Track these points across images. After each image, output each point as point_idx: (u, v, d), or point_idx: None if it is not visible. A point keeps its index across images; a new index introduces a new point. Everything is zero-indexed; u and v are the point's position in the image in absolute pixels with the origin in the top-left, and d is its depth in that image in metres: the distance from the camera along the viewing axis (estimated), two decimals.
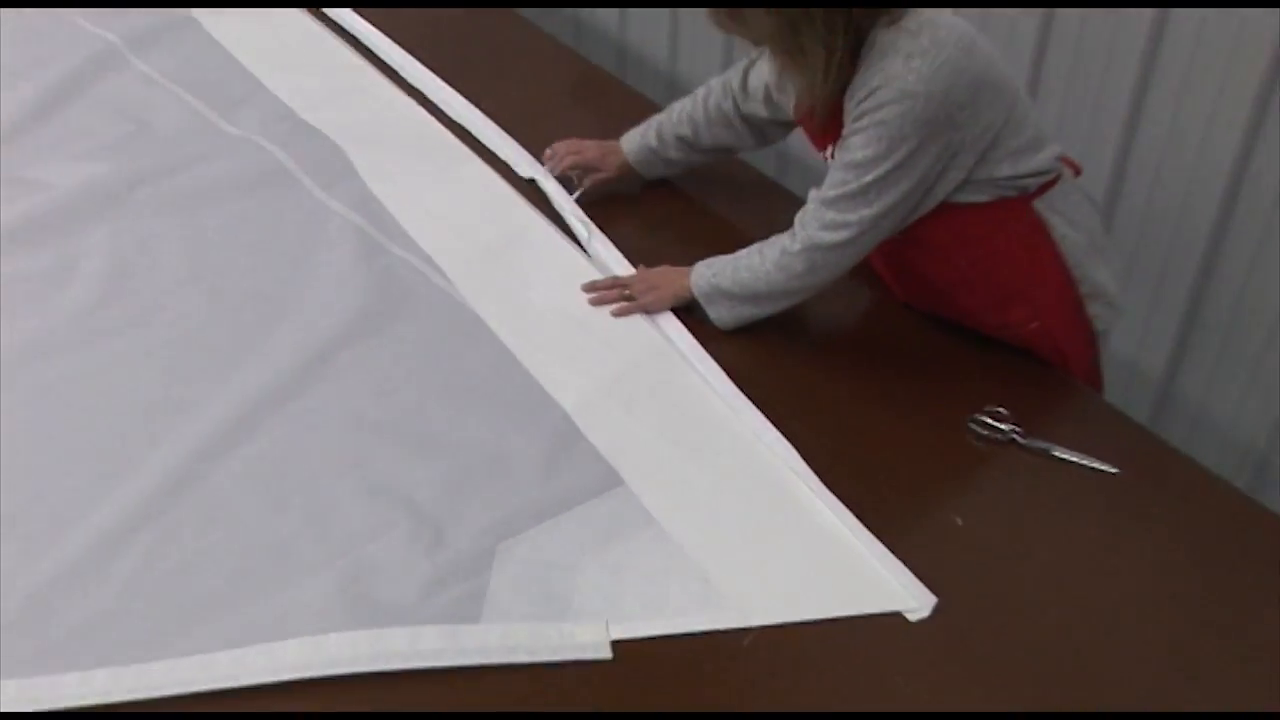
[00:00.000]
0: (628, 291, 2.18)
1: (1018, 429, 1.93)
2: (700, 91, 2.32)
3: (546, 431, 1.95)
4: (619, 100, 2.75)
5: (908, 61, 1.82)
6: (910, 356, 2.10)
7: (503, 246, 2.33)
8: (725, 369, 2.05)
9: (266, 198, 2.43)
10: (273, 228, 2.36)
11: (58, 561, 1.72)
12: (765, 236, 2.05)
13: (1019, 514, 1.83)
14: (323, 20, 3.00)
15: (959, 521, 1.81)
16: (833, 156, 2.00)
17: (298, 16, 3.03)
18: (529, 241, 2.35)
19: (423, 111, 2.69)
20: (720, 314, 2.10)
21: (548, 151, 2.45)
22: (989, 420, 1.94)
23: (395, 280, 2.24)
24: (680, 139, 2.34)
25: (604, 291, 2.20)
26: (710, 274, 2.09)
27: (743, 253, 2.06)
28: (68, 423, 1.96)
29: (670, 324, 2.14)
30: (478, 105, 2.67)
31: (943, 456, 1.91)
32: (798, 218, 1.99)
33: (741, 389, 2.00)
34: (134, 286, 2.22)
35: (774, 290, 2.03)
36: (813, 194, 1.97)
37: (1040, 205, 2.01)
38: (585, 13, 3.53)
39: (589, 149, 2.42)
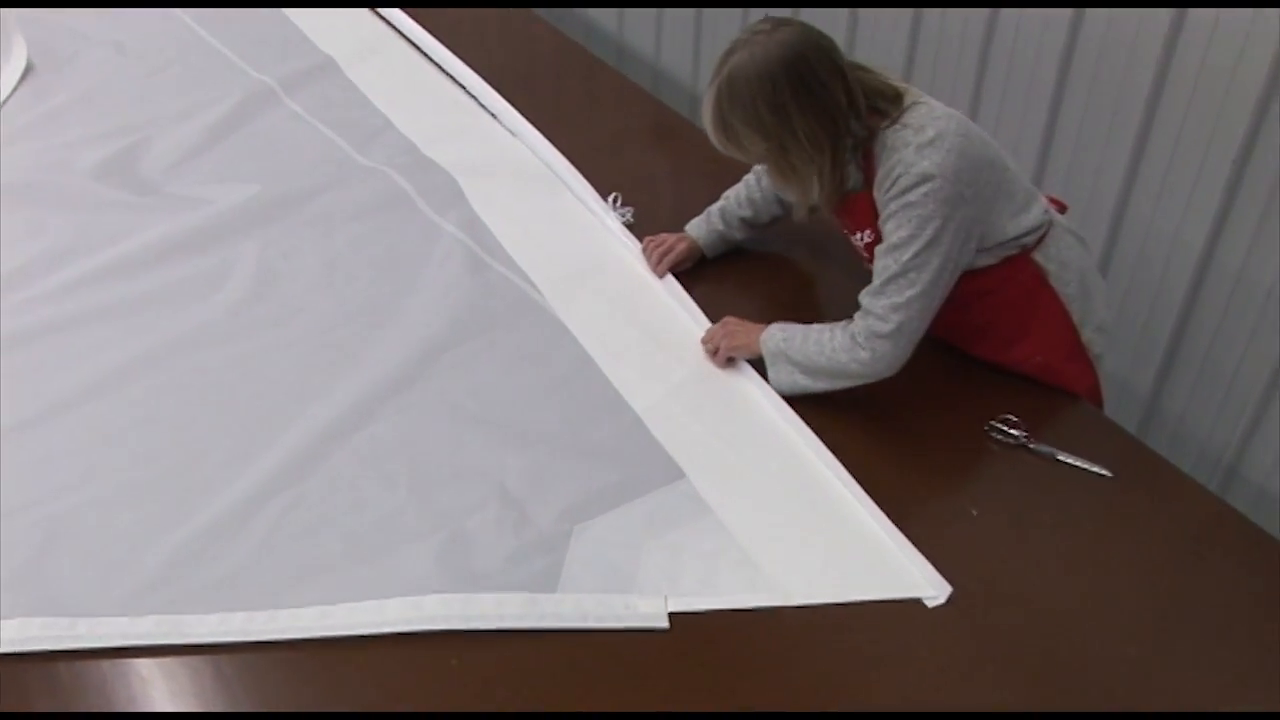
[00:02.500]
0: (708, 344, 2.05)
1: (1027, 435, 1.88)
2: (750, 178, 2.24)
3: (619, 429, 1.90)
4: (690, 139, 2.70)
5: (920, 151, 1.77)
6: (934, 372, 2.02)
7: (588, 268, 2.28)
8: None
9: (390, 219, 2.39)
10: (393, 244, 2.32)
11: (205, 519, 1.72)
12: (816, 273, 1.97)
13: (1026, 508, 1.78)
14: (440, 69, 2.96)
15: (974, 512, 1.77)
16: (862, 242, 1.96)
17: (421, 65, 2.99)
18: (611, 265, 2.30)
19: (524, 149, 2.65)
20: (779, 377, 1.94)
21: (645, 249, 2.30)
22: (1003, 427, 1.90)
23: (495, 292, 2.19)
24: (743, 220, 2.25)
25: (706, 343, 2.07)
26: (781, 337, 1.94)
27: (816, 327, 1.92)
28: (216, 402, 1.94)
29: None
30: (571, 139, 2.62)
31: (962, 457, 1.86)
32: (857, 315, 1.87)
33: (787, 400, 1.95)
34: (277, 290, 2.19)
35: (834, 369, 1.88)
36: (863, 293, 1.87)
37: (1038, 256, 1.95)
38: (664, 64, 3.49)
39: (674, 244, 2.26)
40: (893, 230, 1.82)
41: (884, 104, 1.83)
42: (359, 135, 2.66)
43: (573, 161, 2.55)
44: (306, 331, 2.09)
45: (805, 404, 1.92)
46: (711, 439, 1.89)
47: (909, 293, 1.81)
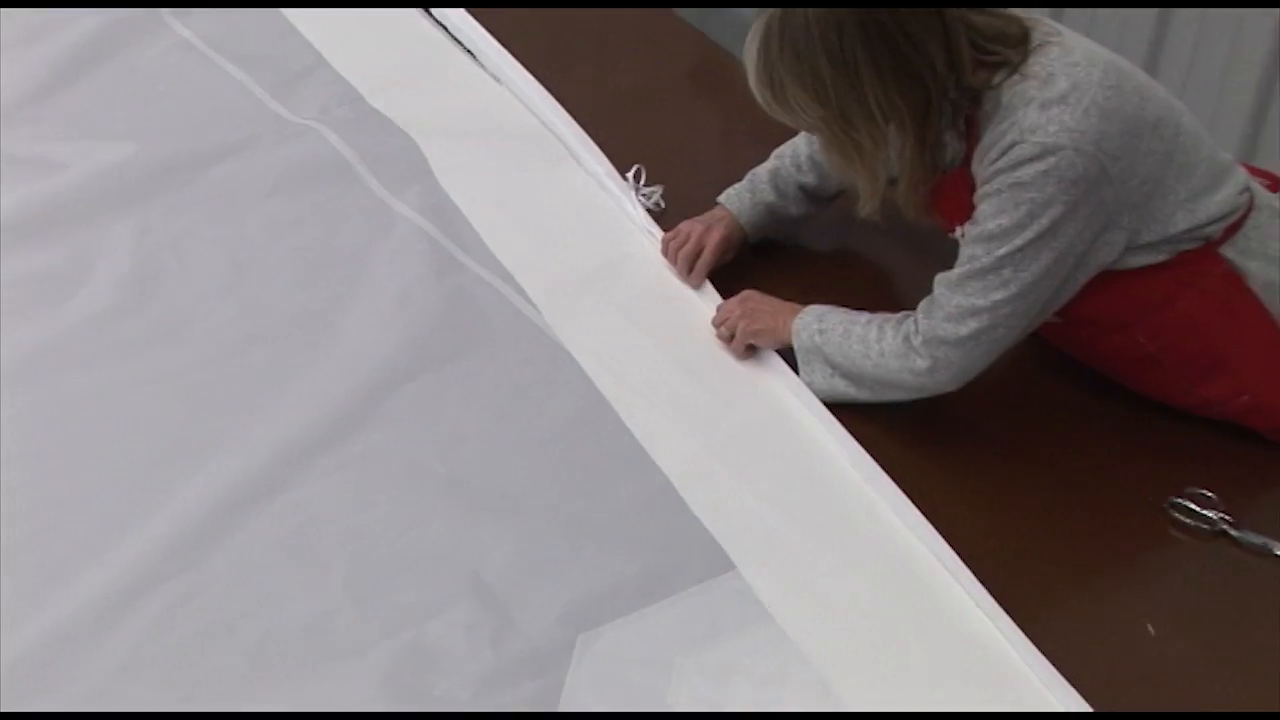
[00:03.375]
0: (723, 328, 2.16)
1: (1228, 517, 1.88)
2: None
3: (642, 500, 1.92)
4: (747, 90, 2.66)
5: (1045, 111, 1.79)
6: (1090, 421, 2.05)
7: (603, 271, 2.33)
8: (860, 437, 2.01)
9: (321, 197, 2.43)
10: (327, 233, 2.35)
11: (48, 624, 1.72)
12: (906, 269, 2.00)
13: (1229, 625, 1.78)
14: None
15: (1151, 630, 1.76)
16: (965, 239, 1.96)
17: None
18: (635, 268, 2.35)
19: (513, 102, 2.69)
20: (814, 379, 2.06)
21: (664, 250, 2.34)
22: (1192, 505, 1.90)
23: (469, 303, 2.23)
24: (803, 188, 2.29)
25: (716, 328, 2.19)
26: (817, 328, 2.04)
27: (861, 318, 2.01)
28: (70, 455, 1.96)
29: (795, 381, 2.10)
30: (579, 89, 2.66)
31: (1132, 548, 1.87)
32: (921, 305, 1.94)
33: (879, 460, 1.97)
34: (159, 294, 2.23)
35: (882, 377, 1.98)
36: (940, 278, 1.93)
37: (1230, 252, 1.94)
38: None
39: (702, 237, 2.28)
40: (991, 213, 1.84)
41: (1003, 51, 1.84)
42: (279, 76, 2.71)
43: (580, 120, 2.58)
44: (200, 355, 2.12)
45: (907, 470, 1.94)
46: (771, 514, 1.91)
47: (996, 295, 1.85)
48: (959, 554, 1.83)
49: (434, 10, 2.91)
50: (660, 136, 2.58)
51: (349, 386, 2.06)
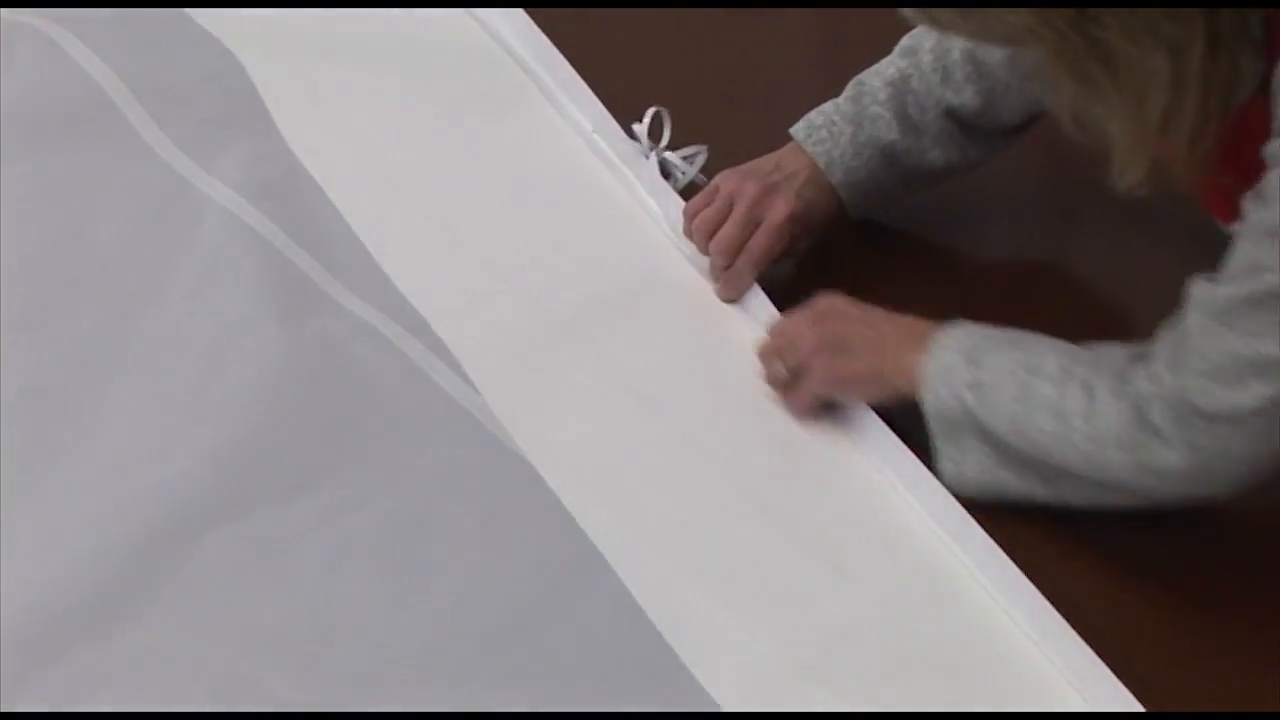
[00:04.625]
0: (780, 363, 2.15)
1: None
2: None
3: None
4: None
5: None
6: None
7: (594, 308, 2.34)
8: (1065, 605, 1.96)
9: (61, 164, 2.44)
10: (70, 234, 2.37)
11: None
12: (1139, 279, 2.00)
13: None
14: None
15: None
16: None
17: None
18: (655, 302, 2.37)
19: None
20: (964, 468, 2.04)
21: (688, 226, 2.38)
22: None
23: (341, 370, 2.21)
24: (954, 115, 2.30)
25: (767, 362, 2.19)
26: (968, 379, 2.00)
27: (1048, 360, 1.98)
28: None
29: (948, 508, 2.07)
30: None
31: None
32: (1165, 339, 1.91)
33: (1100, 650, 1.91)
34: None
35: (1099, 475, 1.95)
36: (1197, 292, 1.87)
37: None
38: None
39: (757, 203, 2.27)
40: None
41: None
42: None
43: (555, 34, 2.59)
44: None
45: (1138, 662, 1.92)
46: None
47: None
48: None
49: None
50: (700, 61, 2.58)
51: (105, 537, 1.97)
